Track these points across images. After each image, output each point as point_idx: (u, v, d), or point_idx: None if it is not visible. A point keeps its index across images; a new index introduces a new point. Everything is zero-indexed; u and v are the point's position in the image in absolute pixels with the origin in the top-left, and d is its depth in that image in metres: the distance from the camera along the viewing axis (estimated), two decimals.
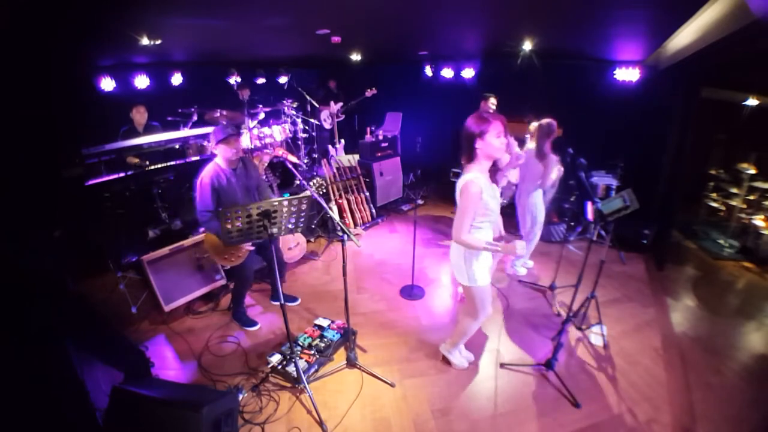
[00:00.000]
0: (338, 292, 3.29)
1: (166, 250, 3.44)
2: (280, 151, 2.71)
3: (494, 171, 2.19)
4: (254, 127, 5.00)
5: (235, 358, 2.93)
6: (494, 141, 2.00)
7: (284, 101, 5.69)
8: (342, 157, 5.77)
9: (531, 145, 3.62)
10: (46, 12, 2.19)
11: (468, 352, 2.86)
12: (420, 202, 6.08)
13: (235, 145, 2.75)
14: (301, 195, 2.38)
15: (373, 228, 5.40)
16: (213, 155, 4.49)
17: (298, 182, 2.86)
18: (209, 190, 2.72)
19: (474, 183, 2.01)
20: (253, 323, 3.23)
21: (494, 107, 4.47)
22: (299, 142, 5.85)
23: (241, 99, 5.17)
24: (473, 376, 2.73)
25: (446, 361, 2.79)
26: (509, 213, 3.96)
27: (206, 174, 2.76)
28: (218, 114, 4.84)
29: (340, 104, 6.36)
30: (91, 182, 3.79)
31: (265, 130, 5.11)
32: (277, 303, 3.39)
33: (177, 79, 5.25)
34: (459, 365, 2.76)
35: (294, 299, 3.60)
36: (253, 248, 2.94)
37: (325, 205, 2.74)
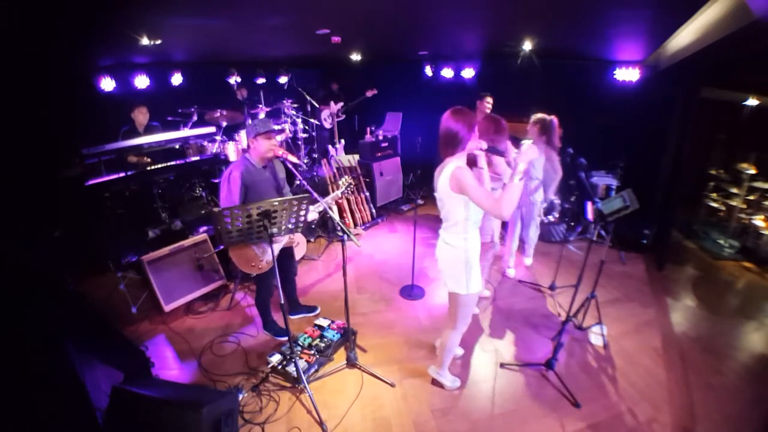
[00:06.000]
0: (338, 292, 3.29)
1: (166, 250, 3.44)
2: (280, 151, 2.69)
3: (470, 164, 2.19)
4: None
5: (235, 358, 2.93)
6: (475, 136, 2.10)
7: (284, 101, 5.69)
8: (342, 157, 5.77)
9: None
10: (46, 12, 2.18)
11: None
12: (420, 202, 6.08)
13: (274, 141, 2.63)
14: (301, 195, 2.38)
15: (373, 228, 5.40)
16: (213, 155, 4.58)
17: (298, 182, 2.82)
18: (239, 184, 2.55)
19: (463, 167, 2.01)
20: (285, 333, 2.83)
21: (490, 106, 4.48)
22: (299, 142, 5.86)
23: (239, 99, 5.17)
24: (473, 376, 2.72)
25: (437, 384, 2.64)
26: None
27: (236, 167, 2.60)
28: (218, 114, 4.84)
29: (341, 104, 6.37)
30: (91, 182, 3.79)
31: None
32: (295, 317, 3.36)
33: (177, 79, 5.25)
34: (452, 386, 2.61)
35: (313, 309, 3.44)
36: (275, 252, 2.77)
37: (325, 205, 2.73)
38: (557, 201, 3.79)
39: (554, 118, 3.51)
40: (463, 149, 2.07)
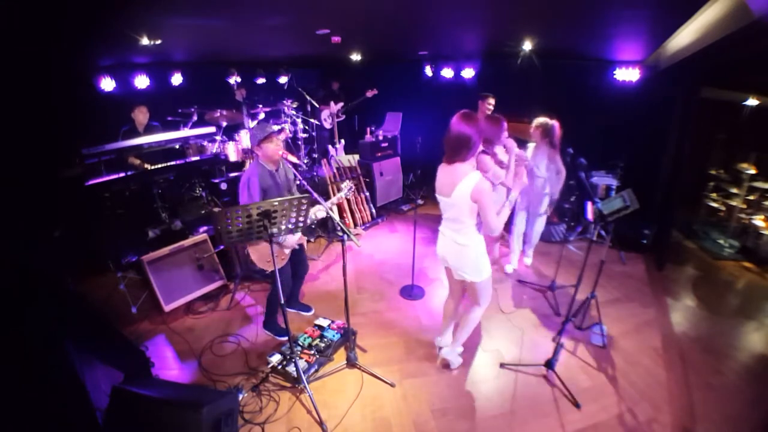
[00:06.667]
0: (338, 292, 3.28)
1: (166, 250, 3.44)
2: (280, 152, 2.70)
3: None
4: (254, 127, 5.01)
5: (235, 358, 2.93)
6: None
7: (284, 101, 5.69)
8: (342, 157, 5.77)
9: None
10: (46, 12, 2.18)
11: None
12: (420, 202, 6.08)
13: (278, 143, 2.70)
14: (301, 195, 2.38)
15: (373, 228, 5.40)
16: (213, 155, 4.58)
17: (298, 182, 2.84)
18: (258, 189, 2.65)
19: (485, 180, 2.10)
20: (285, 333, 2.87)
21: (492, 107, 4.47)
22: (299, 142, 5.85)
23: (239, 99, 5.17)
24: (473, 376, 2.73)
25: (445, 365, 2.78)
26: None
27: (253, 173, 2.70)
28: (218, 114, 4.84)
29: (341, 104, 6.37)
30: (91, 182, 3.79)
31: None
32: (291, 310, 3.40)
33: (177, 79, 5.24)
34: (458, 363, 2.78)
35: (308, 309, 3.47)
36: (297, 246, 2.97)
37: (325, 205, 2.73)
38: (556, 197, 3.86)
39: (555, 122, 3.54)
40: (473, 154, 2.12)
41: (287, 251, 2.90)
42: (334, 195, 3.43)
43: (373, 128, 6.15)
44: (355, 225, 5.22)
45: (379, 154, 5.73)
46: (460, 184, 2.10)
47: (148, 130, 4.48)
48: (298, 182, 2.86)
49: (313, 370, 2.71)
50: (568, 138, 3.71)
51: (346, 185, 3.12)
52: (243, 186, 2.70)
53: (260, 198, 2.67)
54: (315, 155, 6.22)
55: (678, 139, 4.43)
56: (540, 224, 4.05)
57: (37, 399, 1.71)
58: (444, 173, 2.22)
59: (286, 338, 3.01)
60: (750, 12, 1.97)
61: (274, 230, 2.32)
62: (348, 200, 5.15)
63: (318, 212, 2.90)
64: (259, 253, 2.76)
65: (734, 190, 4.81)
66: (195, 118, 4.83)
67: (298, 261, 3.12)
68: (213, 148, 4.65)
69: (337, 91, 6.63)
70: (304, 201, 2.36)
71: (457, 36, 4.45)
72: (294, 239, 2.90)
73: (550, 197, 3.86)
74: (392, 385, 2.62)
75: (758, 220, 4.48)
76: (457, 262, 2.37)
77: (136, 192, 4.12)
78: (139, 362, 2.60)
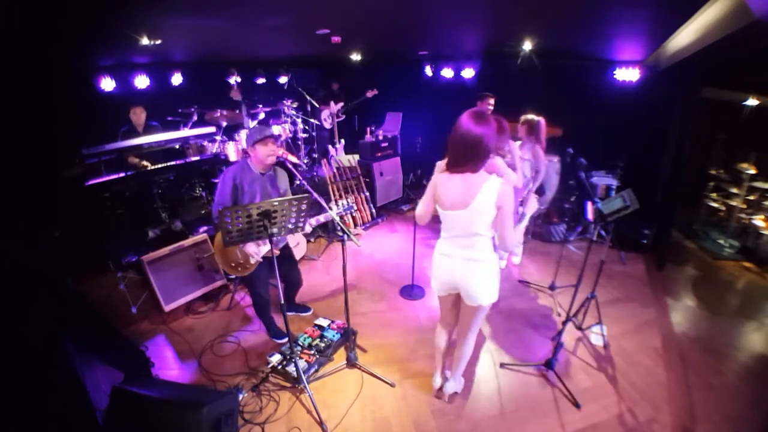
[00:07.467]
0: (338, 292, 3.29)
1: (166, 250, 3.44)
2: (280, 151, 2.70)
3: None
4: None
5: (235, 358, 2.93)
6: None
7: (284, 101, 5.69)
8: (342, 157, 5.77)
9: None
10: (46, 12, 2.18)
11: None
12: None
13: (272, 147, 2.65)
14: (301, 195, 2.38)
15: (373, 228, 5.40)
16: (212, 154, 4.58)
17: (298, 182, 2.83)
18: (230, 185, 2.64)
19: (506, 183, 1.86)
20: (283, 335, 3.05)
21: (491, 108, 4.46)
22: (299, 142, 5.86)
23: (236, 99, 5.18)
24: (473, 376, 2.72)
25: (454, 394, 2.54)
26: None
27: (231, 168, 2.69)
28: (218, 114, 4.84)
29: (341, 104, 6.37)
30: (91, 182, 3.80)
31: None
32: (289, 314, 3.32)
33: (177, 79, 5.25)
34: (462, 385, 2.57)
35: (306, 309, 3.45)
36: (261, 260, 2.78)
37: (325, 205, 2.73)
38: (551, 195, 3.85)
39: (541, 119, 3.53)
40: (486, 161, 1.84)
41: (252, 260, 2.76)
42: (334, 195, 3.43)
43: (373, 128, 6.15)
44: (355, 225, 5.22)
45: (379, 154, 5.73)
46: (482, 191, 1.80)
47: (148, 130, 4.48)
48: (297, 182, 2.83)
49: (313, 370, 2.71)
50: (568, 138, 3.72)
51: (343, 204, 2.85)
52: (219, 180, 2.71)
53: (231, 193, 2.64)
54: (315, 155, 6.23)
55: (678, 139, 4.43)
56: (522, 222, 4.01)
57: (37, 399, 1.71)
58: (454, 184, 1.87)
59: (284, 340, 3.03)
60: (750, 12, 1.96)
61: (274, 230, 2.32)
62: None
63: (305, 226, 2.63)
64: (223, 256, 2.70)
65: (734, 190, 4.81)
66: (195, 118, 4.83)
67: (285, 270, 2.94)
68: (213, 148, 4.65)
69: (337, 91, 6.63)
70: (304, 201, 2.36)
71: (457, 36, 4.45)
72: (255, 249, 2.72)
73: (546, 195, 3.84)
74: (392, 385, 2.62)
75: (758, 220, 4.48)
76: (470, 283, 2.00)
77: (136, 192, 4.13)
78: (139, 362, 2.60)
